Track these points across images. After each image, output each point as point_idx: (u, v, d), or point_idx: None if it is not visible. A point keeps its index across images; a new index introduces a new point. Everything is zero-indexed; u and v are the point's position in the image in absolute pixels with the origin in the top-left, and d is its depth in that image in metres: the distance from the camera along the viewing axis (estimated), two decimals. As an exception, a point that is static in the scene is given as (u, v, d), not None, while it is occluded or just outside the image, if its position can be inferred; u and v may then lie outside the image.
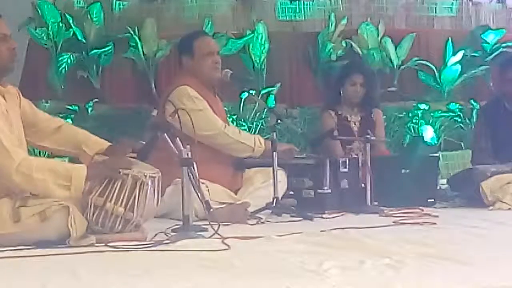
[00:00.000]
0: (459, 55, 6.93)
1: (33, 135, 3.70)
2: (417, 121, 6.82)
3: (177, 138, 3.56)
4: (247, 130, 6.34)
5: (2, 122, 3.37)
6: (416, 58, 6.93)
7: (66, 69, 6.39)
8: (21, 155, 3.35)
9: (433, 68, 6.94)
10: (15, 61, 3.55)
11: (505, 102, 5.42)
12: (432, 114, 6.84)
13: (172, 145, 3.54)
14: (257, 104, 6.37)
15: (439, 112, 6.88)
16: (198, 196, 3.56)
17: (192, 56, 4.71)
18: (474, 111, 6.90)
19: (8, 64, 3.49)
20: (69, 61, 6.38)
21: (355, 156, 5.21)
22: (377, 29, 6.89)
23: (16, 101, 3.60)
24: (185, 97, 4.54)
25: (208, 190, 4.21)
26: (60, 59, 6.38)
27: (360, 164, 4.92)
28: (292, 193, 4.76)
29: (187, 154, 3.52)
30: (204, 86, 4.69)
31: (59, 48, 6.39)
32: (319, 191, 4.78)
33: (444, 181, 5.50)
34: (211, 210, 3.59)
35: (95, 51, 6.41)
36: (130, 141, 3.66)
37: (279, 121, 4.69)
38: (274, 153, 4.45)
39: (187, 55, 4.73)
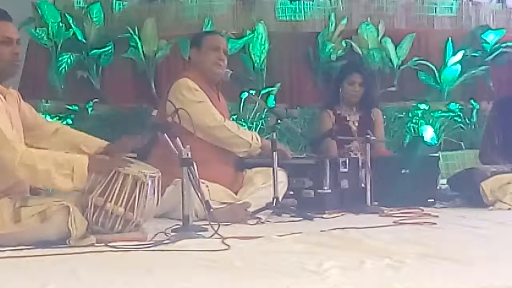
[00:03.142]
0: (459, 55, 6.93)
1: (32, 138, 3.69)
2: (417, 121, 6.82)
3: (177, 138, 3.55)
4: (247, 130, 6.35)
5: (4, 117, 3.37)
6: (416, 58, 6.92)
7: (66, 69, 6.39)
8: (23, 147, 3.36)
9: (433, 68, 6.94)
10: (16, 66, 3.53)
11: None
12: (432, 114, 6.84)
13: (172, 145, 3.54)
14: (257, 104, 6.36)
15: (439, 112, 6.87)
16: (198, 196, 3.56)
17: (199, 48, 4.74)
18: (474, 111, 6.91)
19: (8, 68, 3.47)
20: (69, 61, 6.38)
21: (355, 156, 5.21)
22: (377, 29, 6.89)
23: (16, 104, 3.61)
24: (185, 88, 4.56)
25: (208, 190, 4.21)
26: (60, 59, 6.38)
27: (360, 164, 4.92)
28: (292, 193, 4.76)
29: (187, 154, 3.52)
30: (206, 81, 4.70)
31: (59, 48, 6.40)
32: (319, 191, 4.78)
33: (444, 181, 5.50)
34: (211, 210, 3.59)
35: (95, 51, 6.41)
36: (131, 138, 3.64)
37: (279, 121, 4.69)
38: (274, 152, 4.45)
39: (195, 47, 4.77)
